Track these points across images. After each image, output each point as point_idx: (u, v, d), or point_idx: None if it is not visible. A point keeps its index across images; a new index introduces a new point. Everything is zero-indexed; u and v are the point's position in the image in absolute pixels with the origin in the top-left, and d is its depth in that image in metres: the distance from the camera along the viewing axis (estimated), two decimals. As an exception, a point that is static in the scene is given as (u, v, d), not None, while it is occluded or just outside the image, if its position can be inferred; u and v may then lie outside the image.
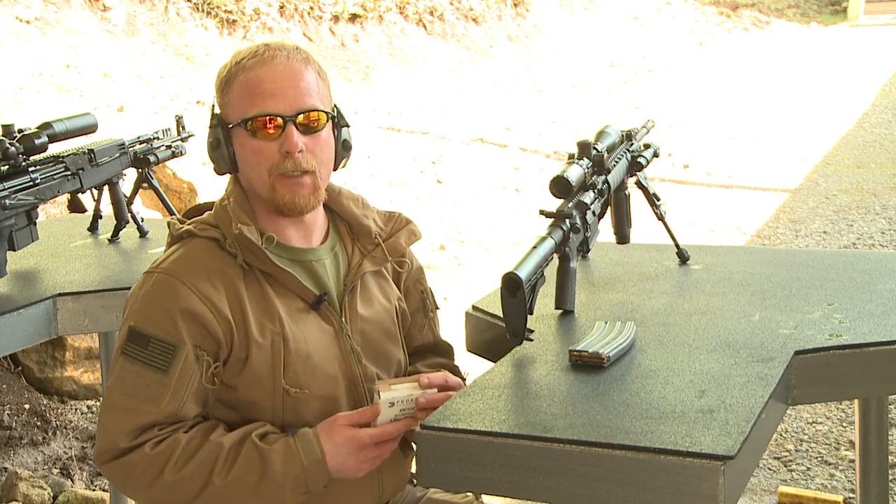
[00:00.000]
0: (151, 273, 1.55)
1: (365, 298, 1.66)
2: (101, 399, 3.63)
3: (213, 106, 1.61)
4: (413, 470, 1.75)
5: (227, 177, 1.66)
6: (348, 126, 1.66)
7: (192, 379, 1.49)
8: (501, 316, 1.68)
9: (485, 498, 1.68)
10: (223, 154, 1.58)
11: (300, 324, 1.57)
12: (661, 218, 2.20)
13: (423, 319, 1.78)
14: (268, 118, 1.53)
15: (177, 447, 1.46)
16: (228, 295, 1.52)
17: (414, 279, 1.78)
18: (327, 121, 1.59)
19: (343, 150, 1.65)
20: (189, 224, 1.60)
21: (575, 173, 1.87)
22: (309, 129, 1.56)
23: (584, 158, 1.95)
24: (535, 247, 1.73)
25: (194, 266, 1.53)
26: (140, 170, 2.57)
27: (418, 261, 1.80)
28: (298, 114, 1.54)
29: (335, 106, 1.63)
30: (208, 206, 1.67)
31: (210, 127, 1.60)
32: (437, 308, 1.81)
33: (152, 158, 2.56)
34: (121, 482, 1.49)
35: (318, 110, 1.56)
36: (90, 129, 2.35)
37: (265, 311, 1.54)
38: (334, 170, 1.65)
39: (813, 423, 3.54)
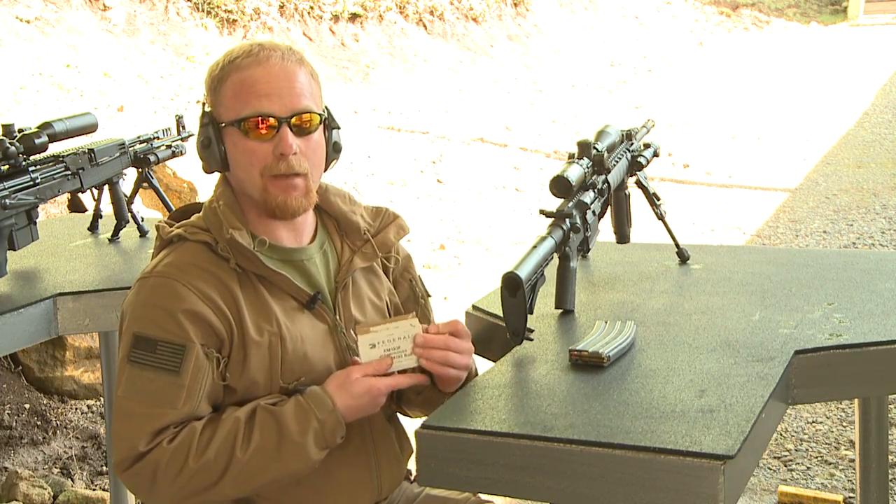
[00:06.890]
0: (146, 278, 1.54)
1: (356, 295, 1.67)
2: (101, 398, 3.63)
3: (204, 104, 1.60)
4: (409, 467, 1.75)
5: (216, 175, 1.64)
6: (339, 128, 1.65)
7: (205, 377, 1.49)
8: (501, 315, 1.68)
9: (484, 496, 1.68)
10: (214, 153, 1.57)
11: (296, 323, 1.57)
12: (661, 217, 2.20)
13: (415, 307, 1.77)
14: (262, 118, 1.52)
15: (194, 434, 1.45)
16: (224, 297, 1.52)
17: (402, 269, 1.77)
18: (320, 122, 1.58)
19: (333, 151, 1.64)
20: (179, 228, 1.59)
21: (575, 173, 1.88)
22: (302, 130, 1.55)
23: (585, 158, 1.95)
24: (535, 246, 1.74)
25: (189, 268, 1.53)
26: (140, 169, 2.57)
27: (405, 250, 1.80)
28: (293, 115, 1.54)
29: (326, 107, 1.62)
30: (196, 208, 1.65)
31: (200, 125, 1.59)
32: (429, 295, 1.80)
33: (152, 158, 2.56)
34: (146, 485, 1.46)
35: (311, 112, 1.56)
36: (90, 128, 2.35)
37: (262, 313, 1.54)
38: (324, 171, 1.65)
39: (813, 422, 3.54)
